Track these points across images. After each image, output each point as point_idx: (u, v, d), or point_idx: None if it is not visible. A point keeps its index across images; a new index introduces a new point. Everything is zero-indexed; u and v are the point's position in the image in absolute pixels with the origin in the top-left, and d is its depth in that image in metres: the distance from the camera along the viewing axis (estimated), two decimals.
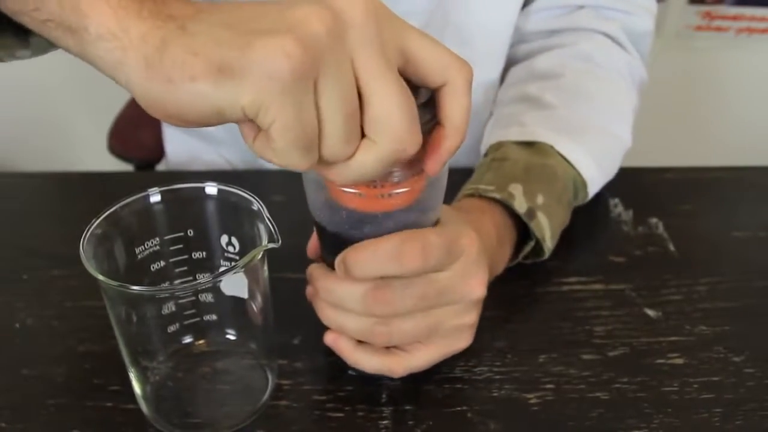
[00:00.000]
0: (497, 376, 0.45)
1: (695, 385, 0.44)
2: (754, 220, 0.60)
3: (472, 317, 0.42)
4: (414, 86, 0.32)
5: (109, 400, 0.43)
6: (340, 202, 0.36)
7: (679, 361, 0.46)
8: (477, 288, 0.41)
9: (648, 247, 0.56)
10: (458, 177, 0.50)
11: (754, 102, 1.56)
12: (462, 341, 0.43)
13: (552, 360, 0.46)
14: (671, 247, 0.56)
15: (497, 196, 0.49)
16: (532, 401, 0.43)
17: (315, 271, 0.42)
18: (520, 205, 0.49)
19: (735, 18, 1.45)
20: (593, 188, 0.55)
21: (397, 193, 0.35)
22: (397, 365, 0.41)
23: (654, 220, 0.59)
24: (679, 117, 1.52)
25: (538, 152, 0.53)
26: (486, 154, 0.56)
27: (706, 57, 1.49)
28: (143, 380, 0.41)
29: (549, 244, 0.50)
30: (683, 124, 1.51)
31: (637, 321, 0.49)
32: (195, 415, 0.42)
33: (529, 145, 0.54)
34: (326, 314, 0.42)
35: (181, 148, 0.81)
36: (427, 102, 0.33)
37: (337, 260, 0.38)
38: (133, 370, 0.40)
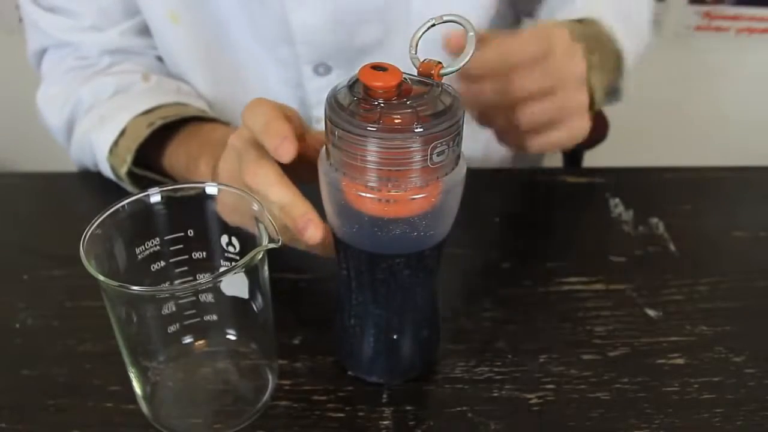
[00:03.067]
0: (498, 377, 0.45)
1: (696, 386, 0.44)
2: (754, 220, 0.60)
3: (584, 95, 0.50)
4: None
5: (109, 400, 0.43)
6: (356, 207, 0.35)
7: (680, 361, 0.46)
8: (580, 64, 0.49)
9: (648, 247, 0.56)
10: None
11: (754, 102, 1.56)
12: (584, 120, 0.50)
13: (552, 360, 0.46)
14: (672, 247, 0.56)
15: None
16: (532, 401, 0.43)
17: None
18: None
19: (735, 18, 1.45)
20: (628, 61, 0.60)
21: (415, 198, 0.34)
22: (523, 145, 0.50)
23: (654, 220, 0.59)
24: (679, 117, 1.52)
25: (589, 24, 0.58)
26: None
27: (706, 57, 1.49)
28: (143, 380, 0.41)
29: (599, 97, 0.54)
30: (683, 124, 1.51)
31: (638, 321, 0.49)
32: (195, 415, 0.42)
33: (580, 20, 0.58)
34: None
35: None
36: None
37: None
38: (133, 370, 0.40)
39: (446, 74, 0.34)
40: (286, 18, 0.62)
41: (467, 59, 0.34)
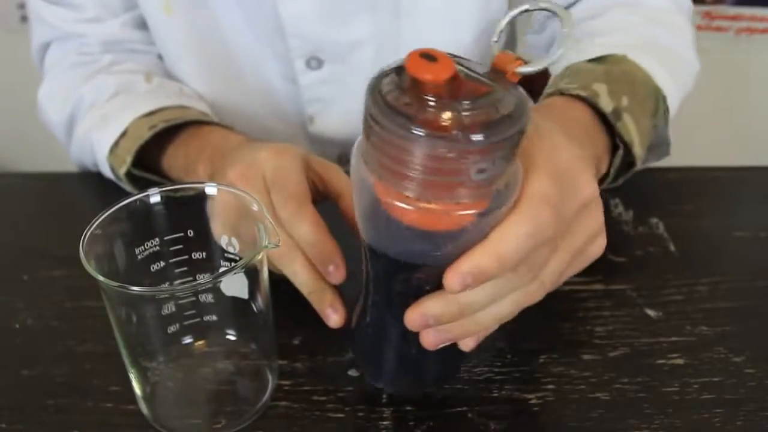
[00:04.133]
0: (498, 377, 0.45)
1: (696, 386, 0.44)
2: (754, 220, 0.60)
3: (595, 222, 0.36)
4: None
5: (109, 401, 0.43)
6: (395, 216, 0.31)
7: (680, 361, 0.46)
8: (587, 186, 0.34)
9: (649, 247, 0.56)
10: None
11: (754, 102, 1.55)
12: (598, 244, 0.37)
13: (552, 360, 0.46)
14: (672, 247, 0.56)
15: (581, 93, 0.45)
16: (532, 401, 0.43)
17: (436, 301, 0.34)
18: (606, 104, 0.45)
19: (735, 18, 1.45)
20: (672, 101, 0.51)
21: (460, 214, 0.30)
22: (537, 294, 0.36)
23: (654, 220, 0.59)
24: (679, 117, 1.51)
25: (613, 62, 0.50)
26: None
27: (706, 57, 1.49)
28: (143, 381, 0.41)
29: (638, 150, 0.46)
30: (683, 124, 1.51)
31: (638, 321, 0.49)
32: (195, 416, 0.42)
33: (600, 59, 0.51)
34: (469, 323, 0.36)
35: None
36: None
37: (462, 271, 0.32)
38: (133, 370, 0.40)
39: (524, 74, 0.29)
40: (276, 9, 0.62)
41: (555, 57, 0.29)
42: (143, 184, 0.58)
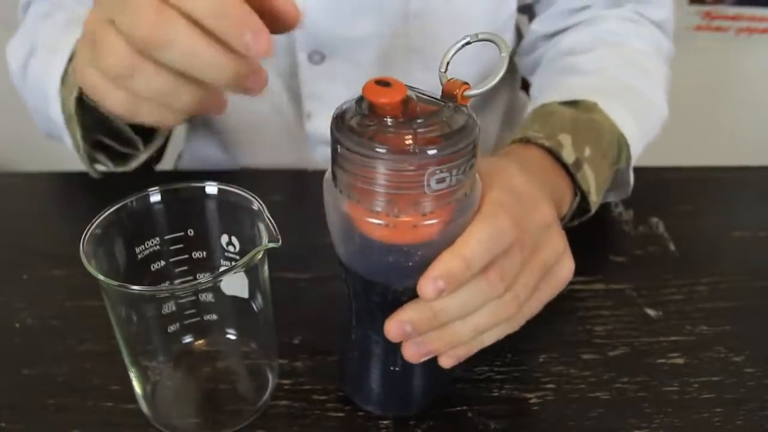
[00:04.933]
0: (498, 376, 0.45)
1: (696, 385, 0.44)
2: (754, 220, 0.60)
3: (559, 242, 0.39)
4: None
5: (109, 400, 0.43)
6: (366, 233, 0.33)
7: (680, 360, 0.46)
8: (546, 208, 0.38)
9: (648, 246, 0.56)
10: None
11: (754, 102, 1.55)
12: (564, 269, 0.40)
13: (552, 360, 0.46)
14: (672, 247, 0.56)
15: (546, 143, 0.49)
16: (532, 401, 0.43)
17: (412, 308, 0.36)
18: (568, 155, 0.48)
19: (735, 18, 1.45)
20: (634, 148, 0.55)
21: (426, 224, 0.32)
22: (516, 321, 0.39)
23: (654, 219, 0.59)
24: (679, 117, 1.51)
25: (583, 108, 0.54)
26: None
27: (706, 57, 1.49)
28: (143, 380, 0.41)
29: (594, 197, 0.50)
30: (683, 124, 1.51)
31: (638, 321, 0.49)
32: (195, 415, 0.42)
33: (572, 103, 0.54)
34: (447, 334, 0.37)
35: (197, 155, 0.80)
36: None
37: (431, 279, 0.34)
38: (133, 369, 0.40)
39: (471, 96, 0.32)
40: None
41: (495, 81, 0.32)
42: (92, 122, 0.53)
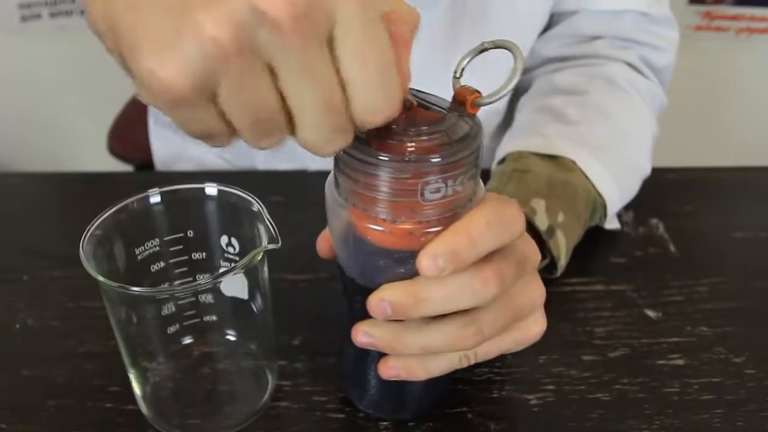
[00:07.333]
0: (498, 377, 0.45)
1: (696, 386, 0.44)
2: (755, 221, 0.60)
3: (537, 294, 0.37)
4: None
5: (109, 401, 0.43)
6: (364, 237, 0.33)
7: (680, 362, 0.46)
8: (534, 250, 0.36)
9: (649, 247, 0.56)
10: None
11: (754, 102, 1.56)
12: (537, 326, 0.38)
13: (552, 361, 0.46)
14: (672, 248, 0.56)
15: None
16: (532, 402, 0.43)
17: (397, 288, 0.34)
18: (542, 222, 0.48)
19: (735, 18, 1.45)
20: (612, 209, 0.54)
21: (424, 232, 0.32)
22: (466, 358, 0.37)
23: (655, 220, 0.59)
24: (679, 117, 1.51)
25: (561, 167, 0.52)
26: (503, 160, 0.55)
27: (706, 57, 1.49)
28: (143, 381, 0.41)
29: (563, 262, 0.50)
30: (683, 125, 1.51)
31: (638, 322, 0.49)
32: (195, 416, 0.42)
33: (550, 158, 0.53)
34: (423, 337, 0.36)
35: (165, 146, 0.80)
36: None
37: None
38: (133, 370, 0.40)
39: (482, 105, 0.31)
40: None
41: (507, 91, 0.31)
42: None
